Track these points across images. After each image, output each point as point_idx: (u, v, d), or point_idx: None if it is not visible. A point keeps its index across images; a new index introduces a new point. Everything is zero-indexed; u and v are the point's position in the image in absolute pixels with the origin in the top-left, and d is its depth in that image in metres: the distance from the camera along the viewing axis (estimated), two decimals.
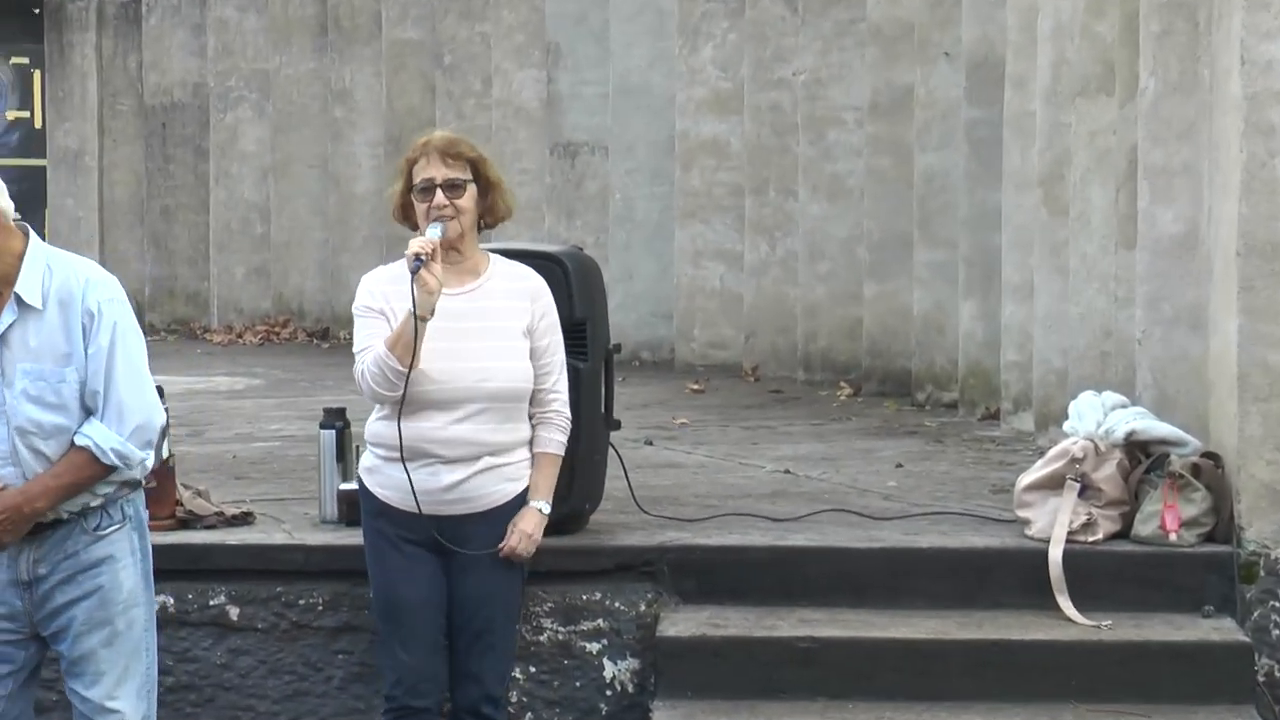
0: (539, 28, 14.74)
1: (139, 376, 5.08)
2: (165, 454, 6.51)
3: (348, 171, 17.06)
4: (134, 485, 5.16)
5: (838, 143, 12.33)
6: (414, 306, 5.40)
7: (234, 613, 6.31)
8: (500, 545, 5.64)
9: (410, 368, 5.48)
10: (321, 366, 13.68)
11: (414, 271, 5.43)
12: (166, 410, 6.52)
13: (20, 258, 4.99)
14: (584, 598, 6.28)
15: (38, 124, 20.09)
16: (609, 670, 6.28)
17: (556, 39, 14.57)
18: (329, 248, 16.88)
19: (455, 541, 5.66)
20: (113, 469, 4.98)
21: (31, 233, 5.16)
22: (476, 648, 5.75)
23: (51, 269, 5.01)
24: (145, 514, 5.26)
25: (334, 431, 6.54)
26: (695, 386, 12.09)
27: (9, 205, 5.15)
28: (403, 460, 5.55)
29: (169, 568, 6.29)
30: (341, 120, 17.24)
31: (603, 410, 6.40)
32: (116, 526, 5.08)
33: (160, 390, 6.51)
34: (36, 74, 20.11)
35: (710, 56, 13.33)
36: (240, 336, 17.63)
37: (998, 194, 10.03)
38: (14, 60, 20.14)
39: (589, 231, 13.69)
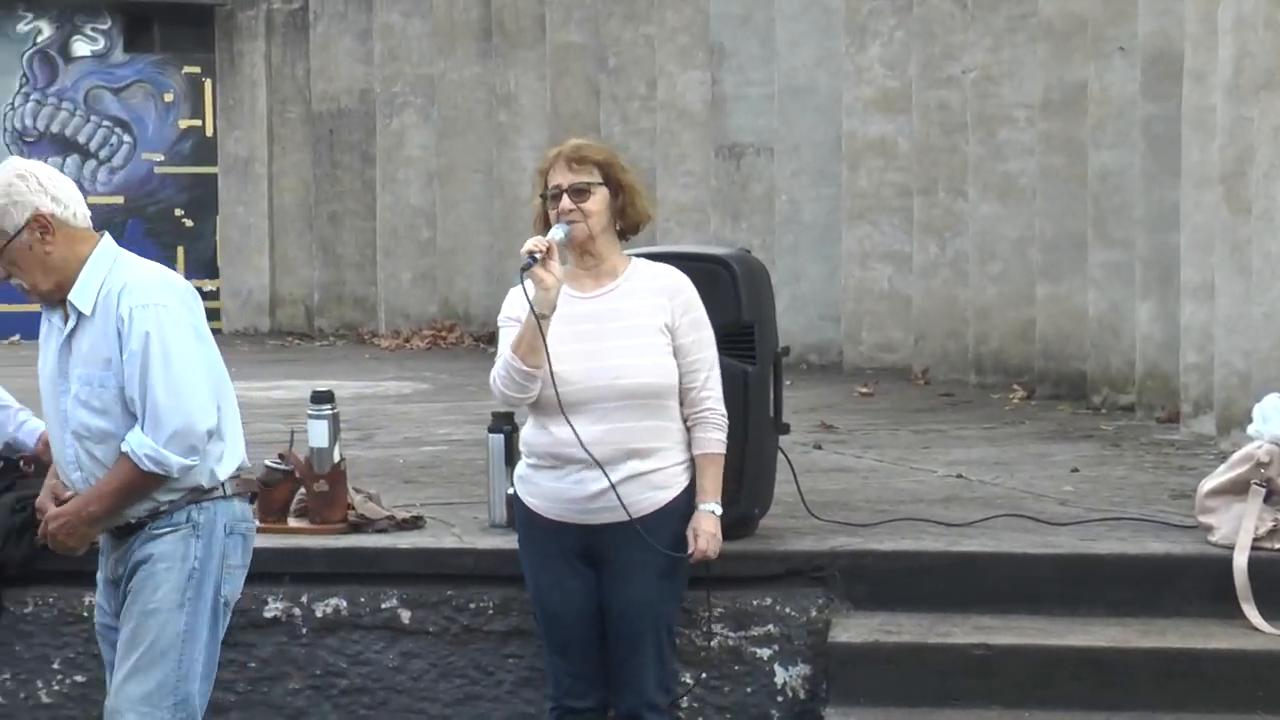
0: (703, 29, 14.73)
1: (178, 382, 5.07)
2: (337, 458, 6.58)
3: (512, 176, 17.12)
4: (207, 492, 5.19)
5: (1009, 141, 12.22)
6: (530, 304, 5.45)
7: (405, 616, 6.36)
8: (684, 549, 5.66)
9: (537, 367, 5.51)
10: (488, 371, 13.64)
11: (524, 269, 5.48)
12: (335, 414, 6.62)
13: (83, 263, 5.11)
14: (754, 603, 6.26)
15: (209, 132, 20.37)
16: (780, 676, 6.26)
17: (721, 40, 14.56)
18: (494, 253, 16.93)
19: (605, 551, 5.67)
20: (156, 475, 5.05)
21: (105, 239, 5.32)
22: (633, 658, 5.74)
23: (109, 275, 5.13)
24: (222, 527, 5.21)
25: (502, 436, 6.56)
26: (864, 390, 12.03)
27: (84, 211, 5.28)
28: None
29: (342, 571, 6.41)
30: (506, 125, 17.32)
31: (771, 414, 6.38)
32: (170, 530, 5.12)
33: (329, 394, 6.62)
34: (208, 83, 20.39)
35: (878, 55, 13.25)
36: (407, 341, 17.77)
37: (1176, 192, 9.88)
38: (186, 70, 20.44)
39: (755, 234, 13.66)
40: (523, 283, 5.49)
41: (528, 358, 5.48)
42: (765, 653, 6.25)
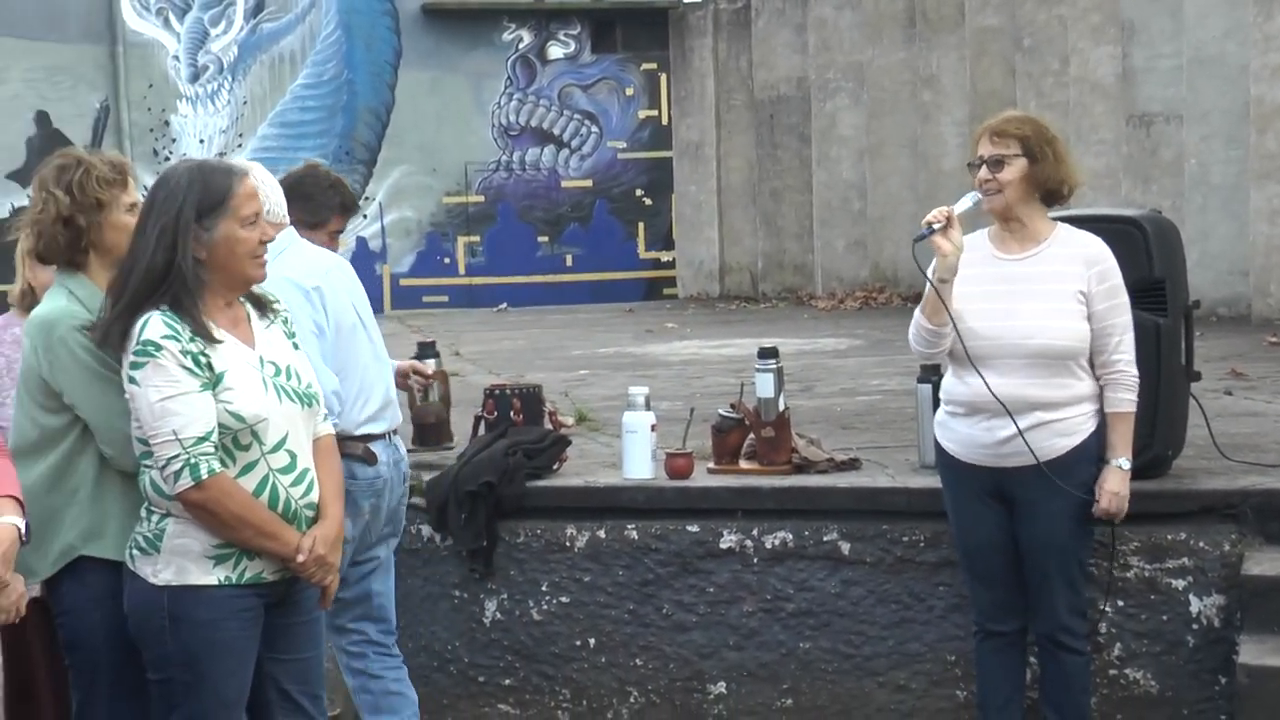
0: (1114, 7, 14.39)
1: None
2: (781, 407, 6.60)
3: (935, 150, 17.03)
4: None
5: None
6: (922, 271, 5.45)
7: (845, 548, 6.36)
8: (1090, 501, 5.56)
9: (942, 325, 5.48)
10: None
11: (918, 238, 5.49)
12: (779, 368, 6.64)
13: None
14: (1169, 538, 6.09)
15: (664, 121, 20.69)
16: (1194, 606, 6.08)
17: (1131, 16, 14.19)
18: (920, 220, 16.76)
19: (1014, 492, 5.60)
20: None
21: (286, 229, 5.57)
22: (1045, 587, 5.67)
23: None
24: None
25: (930, 385, 6.49)
26: (1273, 339, 11.57)
27: (280, 206, 5.46)
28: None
29: (788, 507, 6.44)
30: (929, 104, 17.21)
31: (1183, 362, 6.20)
32: None
33: (774, 351, 6.64)
34: (663, 77, 20.71)
35: None
36: (841, 302, 17.79)
37: None
38: (644, 66, 20.79)
39: (1164, 196, 13.25)
40: (913, 250, 5.53)
41: (932, 317, 5.47)
42: (1180, 584, 6.08)
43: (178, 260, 4.43)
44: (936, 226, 5.44)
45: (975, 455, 5.60)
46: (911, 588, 6.33)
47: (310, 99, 20.59)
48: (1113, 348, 5.52)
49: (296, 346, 4.79)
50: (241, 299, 4.66)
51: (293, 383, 4.64)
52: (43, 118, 19.54)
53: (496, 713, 6.63)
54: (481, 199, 20.69)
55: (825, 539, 6.38)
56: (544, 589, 6.60)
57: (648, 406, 6.59)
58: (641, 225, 21.03)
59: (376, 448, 5.83)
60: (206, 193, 4.49)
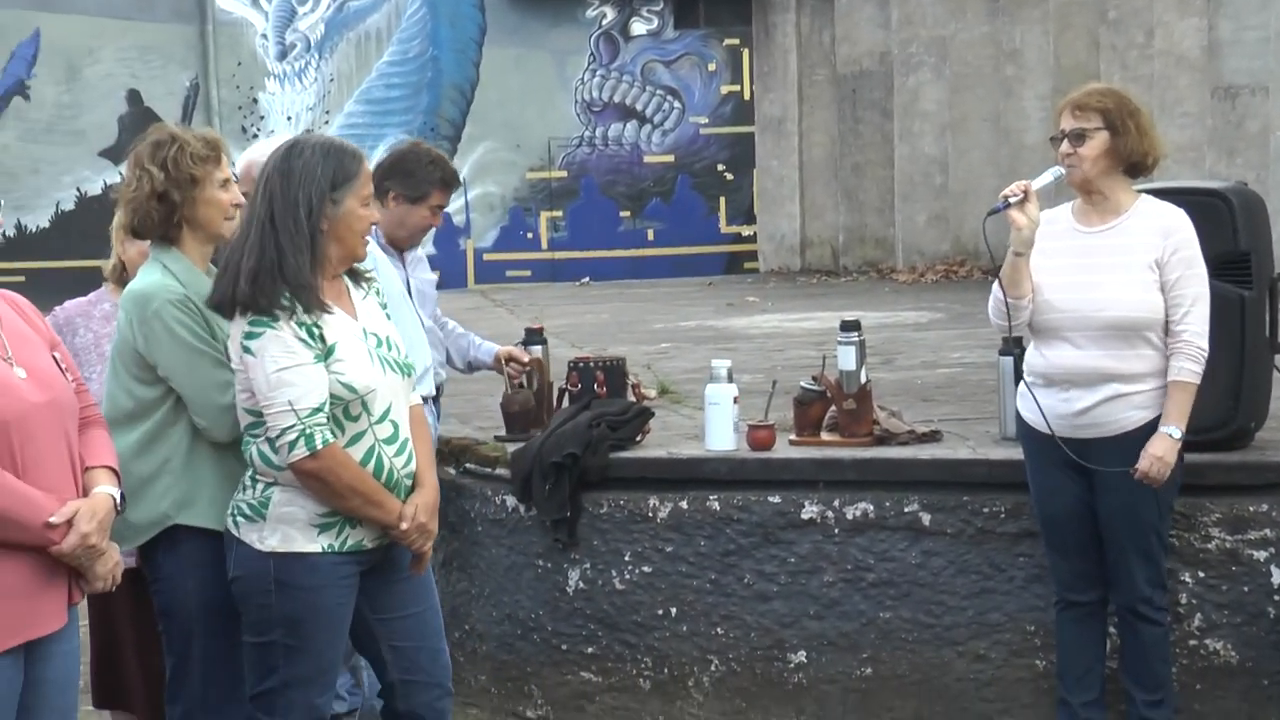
0: None
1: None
2: (864, 379, 6.62)
3: (1018, 125, 16.95)
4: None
5: None
6: (1012, 247, 5.46)
7: (926, 519, 6.37)
8: (1134, 468, 5.54)
9: (1020, 297, 5.55)
10: None
11: (993, 211, 5.54)
12: (861, 341, 6.65)
13: None
14: (1250, 509, 6.06)
15: (746, 96, 20.65)
16: (1276, 577, 6.05)
17: None
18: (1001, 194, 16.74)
19: (1090, 462, 5.60)
20: None
21: None
22: (1123, 558, 5.70)
23: None
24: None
25: (1011, 358, 6.49)
26: None
27: None
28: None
29: (869, 478, 6.45)
30: (1012, 78, 17.12)
31: (1267, 335, 6.16)
32: None
33: (856, 323, 6.67)
34: (745, 52, 20.66)
35: None
36: (922, 276, 17.74)
37: None
38: (726, 42, 20.75)
39: (1249, 169, 13.12)
40: (984, 223, 5.63)
41: (1010, 289, 5.50)
42: (1261, 555, 6.05)
43: (308, 231, 4.57)
44: (1013, 200, 5.48)
45: (1054, 425, 5.61)
46: (992, 558, 6.33)
47: (395, 76, 20.65)
48: (1180, 317, 5.53)
49: (389, 316, 4.88)
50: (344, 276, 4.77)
51: (393, 354, 4.77)
52: (134, 96, 19.71)
53: (579, 680, 6.68)
54: (564, 174, 20.72)
55: (906, 510, 6.39)
56: (627, 559, 6.64)
57: (730, 379, 6.62)
58: (723, 200, 21.00)
59: None
60: (339, 170, 4.62)
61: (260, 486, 4.65)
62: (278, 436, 4.52)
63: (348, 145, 4.80)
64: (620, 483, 6.65)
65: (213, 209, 4.74)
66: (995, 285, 5.60)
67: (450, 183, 6.64)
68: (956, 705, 6.39)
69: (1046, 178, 5.59)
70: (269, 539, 4.62)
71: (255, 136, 19.86)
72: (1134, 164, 5.65)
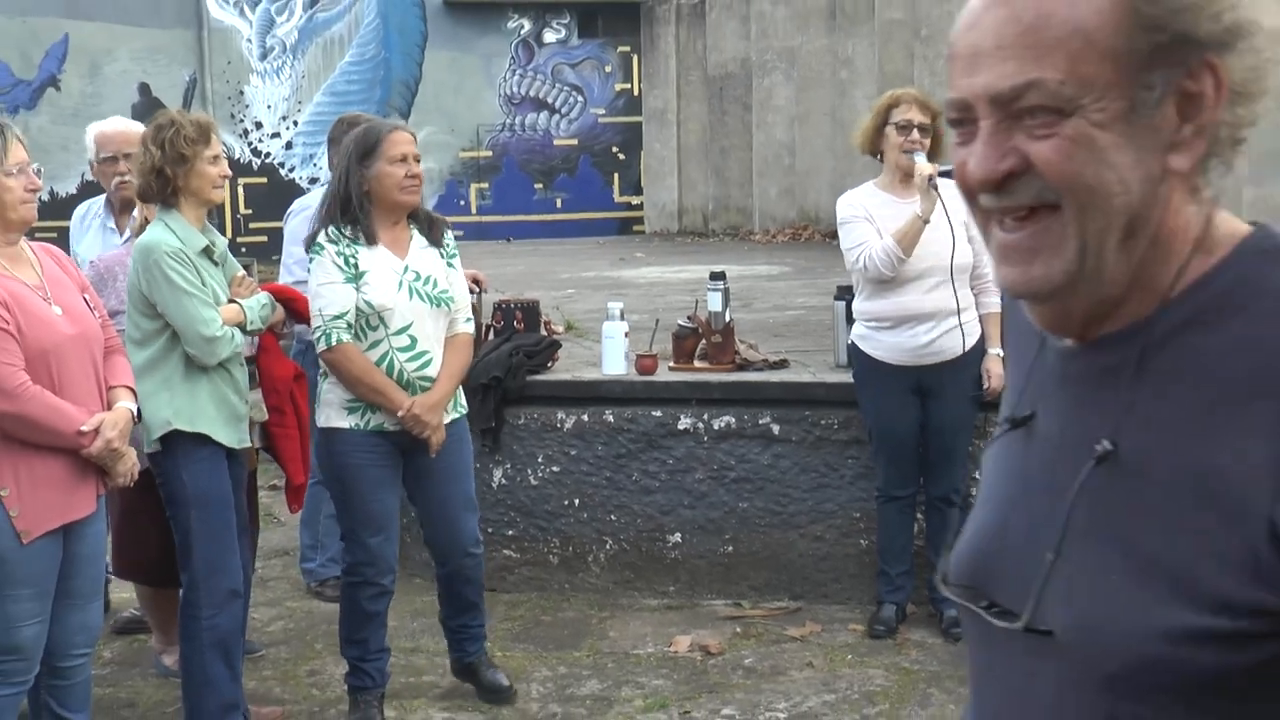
0: None
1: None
2: (728, 318, 6.66)
3: (850, 118, 16.87)
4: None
5: None
6: (922, 214, 5.50)
7: (776, 429, 6.43)
8: (984, 389, 5.69)
9: (909, 254, 5.58)
10: (833, 258, 13.68)
11: (931, 188, 5.55)
12: (726, 289, 6.68)
13: None
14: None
15: (635, 92, 20.63)
16: None
17: None
18: (837, 173, 16.81)
19: (931, 385, 5.70)
20: None
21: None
22: (947, 460, 5.81)
23: None
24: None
25: (844, 303, 6.56)
26: None
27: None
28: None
29: (733, 397, 6.50)
30: (846, 81, 17.15)
31: None
32: None
33: (722, 274, 6.69)
34: (635, 58, 20.63)
35: None
36: (774, 238, 17.81)
37: None
38: (619, 49, 20.71)
39: None
40: (923, 194, 5.57)
41: (908, 248, 5.53)
42: None
43: (350, 191, 4.89)
44: (934, 178, 5.54)
45: (900, 357, 5.69)
46: (827, 460, 6.41)
47: (354, 74, 20.45)
48: (984, 263, 5.63)
49: (452, 267, 5.08)
50: (414, 226, 5.06)
51: (427, 287, 4.96)
52: (144, 88, 19.41)
53: (502, 557, 6.71)
54: (490, 154, 20.62)
55: (760, 422, 6.45)
56: (539, 460, 6.67)
57: (622, 318, 6.64)
58: (616, 175, 20.98)
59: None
60: (364, 143, 4.89)
61: (323, 379, 5.02)
62: (313, 334, 4.92)
63: (374, 122, 5.11)
64: (535, 400, 6.67)
65: (203, 180, 4.74)
66: (891, 243, 5.53)
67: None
68: (799, 575, 6.48)
69: (920, 159, 5.60)
70: (319, 416, 5.02)
71: (241, 122, 19.67)
72: (937, 154, 5.75)
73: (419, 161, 4.98)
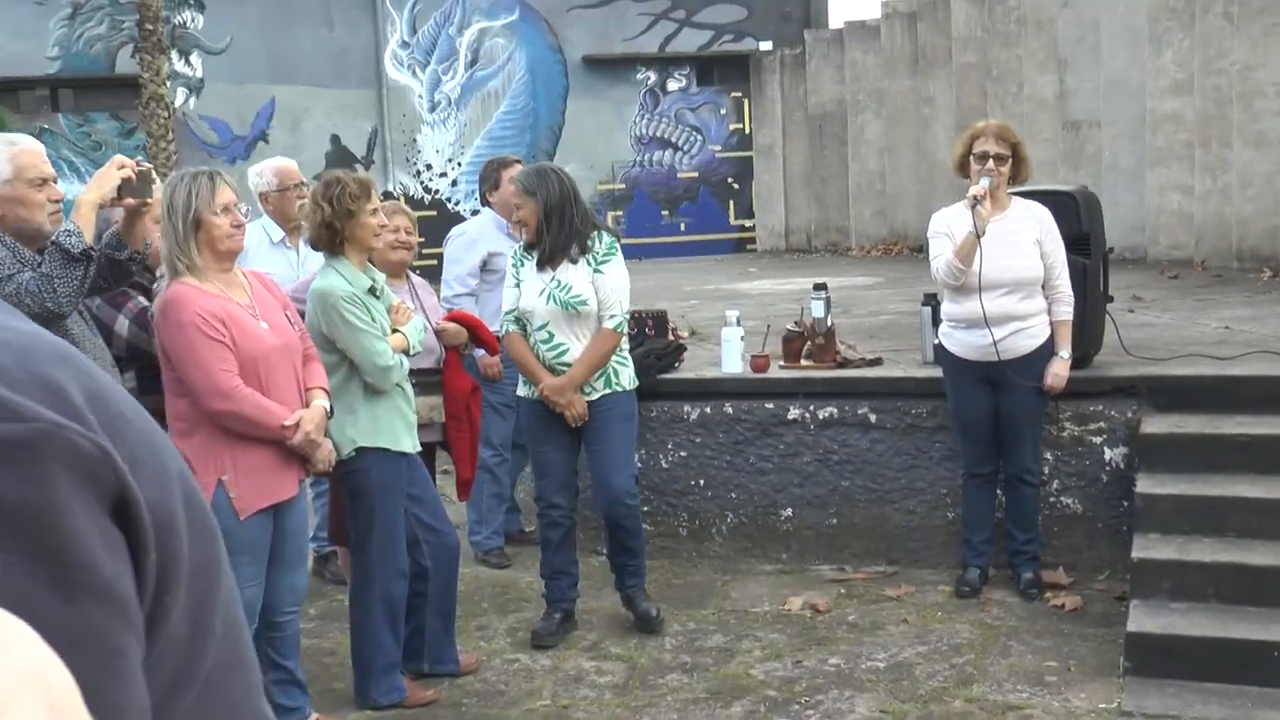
0: (1053, 48, 14.09)
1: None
2: (829, 323, 6.62)
3: (931, 149, 16.77)
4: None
5: (1263, 109, 11.29)
6: (975, 230, 5.40)
7: (873, 417, 6.38)
8: (1041, 382, 5.57)
9: (969, 266, 5.47)
10: (920, 270, 13.57)
11: (972, 207, 5.39)
12: (828, 297, 6.64)
13: None
14: (1090, 408, 6.06)
15: (746, 131, 20.58)
16: (1107, 454, 6.05)
17: (1065, 55, 13.90)
18: (921, 196, 16.67)
19: (1000, 379, 5.61)
20: None
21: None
22: (1018, 442, 5.71)
23: None
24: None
25: (930, 308, 6.49)
26: (1165, 275, 11.35)
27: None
28: (987, 324, 5.50)
29: (835, 390, 6.46)
30: (928, 116, 16.96)
31: (1101, 290, 6.13)
32: None
33: (824, 284, 6.64)
34: (745, 101, 20.57)
35: (1170, 57, 12.39)
36: (868, 253, 17.65)
37: None
38: (732, 94, 20.69)
39: (1088, 178, 12.93)
40: (974, 216, 5.45)
41: (965, 260, 5.44)
42: (1098, 440, 6.05)
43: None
44: (980, 198, 5.44)
45: (973, 354, 5.61)
46: (917, 444, 6.35)
47: (508, 121, 20.64)
48: (1056, 275, 5.54)
49: (599, 273, 5.34)
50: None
51: (562, 293, 5.27)
52: (335, 139, 19.77)
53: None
54: (623, 186, 20.68)
55: (859, 412, 6.41)
56: (669, 447, 6.69)
57: (738, 324, 6.64)
58: (731, 202, 20.93)
59: None
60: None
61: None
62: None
63: (551, 169, 5.44)
64: (665, 395, 6.69)
65: (365, 230, 4.71)
66: (950, 256, 5.49)
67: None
68: (894, 544, 6.43)
69: (984, 183, 5.52)
70: (518, 387, 5.54)
71: (415, 164, 19.96)
72: (1017, 178, 5.66)
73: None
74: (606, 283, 5.28)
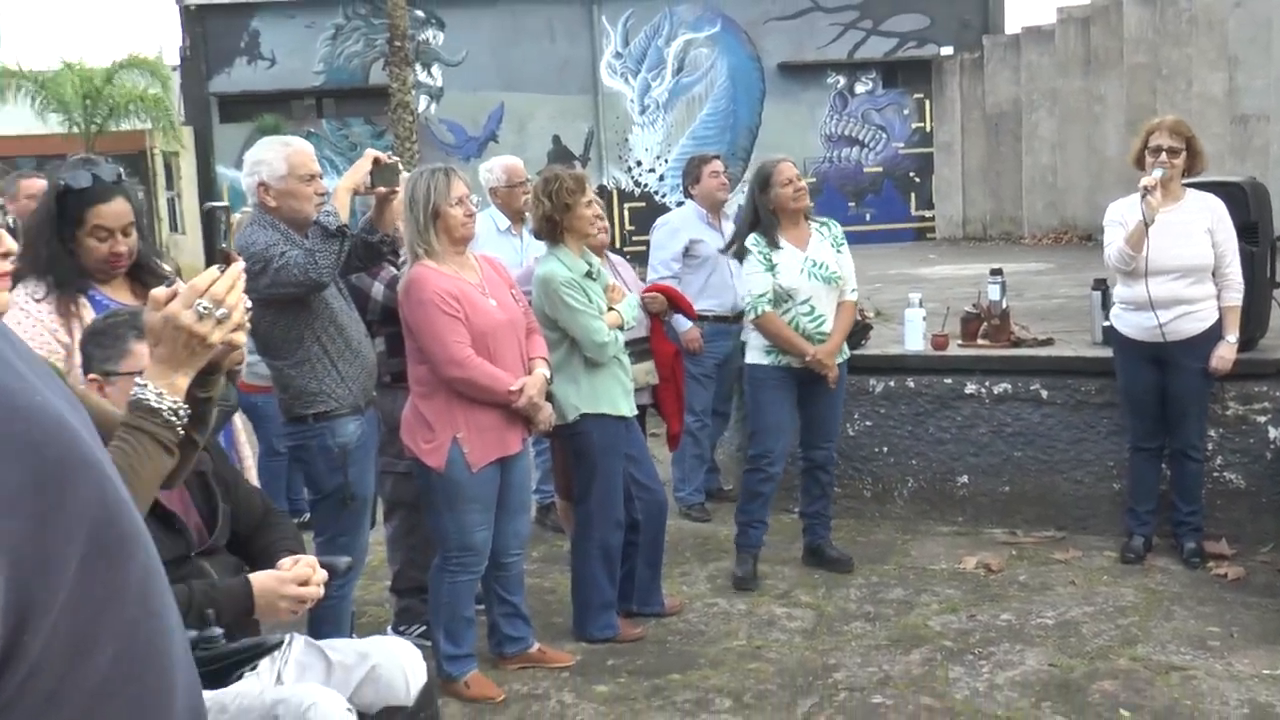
0: (1223, 47, 13.36)
1: None
2: (1004, 305, 6.44)
3: (1101, 145, 16.18)
4: None
5: None
6: (1144, 218, 5.16)
7: (1044, 394, 6.19)
8: (1207, 363, 5.30)
9: (1139, 253, 5.24)
10: (1089, 257, 13.08)
11: (1142, 197, 5.19)
12: (1003, 281, 6.45)
13: None
14: (1255, 389, 5.74)
15: (927, 129, 20.20)
16: (1272, 433, 5.72)
17: (1235, 52, 13.16)
18: (1091, 189, 16.09)
19: (1167, 357, 5.35)
20: None
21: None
22: (1183, 419, 5.46)
23: None
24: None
25: (1100, 292, 6.25)
26: None
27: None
28: (1152, 308, 5.28)
29: (1010, 368, 6.27)
30: (1099, 114, 16.34)
31: (1268, 276, 5.79)
32: None
33: (999, 270, 6.42)
34: (927, 102, 20.14)
35: None
36: (1040, 241, 17.17)
37: None
38: (914, 96, 20.33)
39: (1255, 169, 12.23)
40: (1142, 205, 5.20)
41: (1134, 247, 5.22)
42: (1262, 419, 5.73)
43: (759, 211, 5.35)
44: (1151, 188, 5.21)
45: (1142, 335, 5.39)
46: (1086, 419, 6.13)
47: (710, 122, 20.67)
48: (1227, 263, 5.27)
49: (840, 252, 5.41)
50: (812, 224, 5.43)
51: (820, 269, 5.32)
52: (556, 139, 20.18)
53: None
54: (814, 180, 20.50)
55: (1031, 388, 6.22)
56: (855, 417, 6.61)
57: (920, 305, 6.51)
58: (913, 195, 20.54)
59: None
60: (761, 176, 5.40)
61: (748, 333, 5.50)
62: (745, 306, 5.36)
63: (766, 161, 5.50)
64: (852, 370, 6.52)
65: (582, 221, 4.69)
66: (1122, 243, 5.28)
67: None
68: (1063, 511, 6.23)
69: (1157, 174, 5.28)
70: (749, 356, 5.47)
71: (626, 161, 20.17)
72: (1190, 171, 5.39)
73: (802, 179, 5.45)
74: (846, 261, 5.43)
